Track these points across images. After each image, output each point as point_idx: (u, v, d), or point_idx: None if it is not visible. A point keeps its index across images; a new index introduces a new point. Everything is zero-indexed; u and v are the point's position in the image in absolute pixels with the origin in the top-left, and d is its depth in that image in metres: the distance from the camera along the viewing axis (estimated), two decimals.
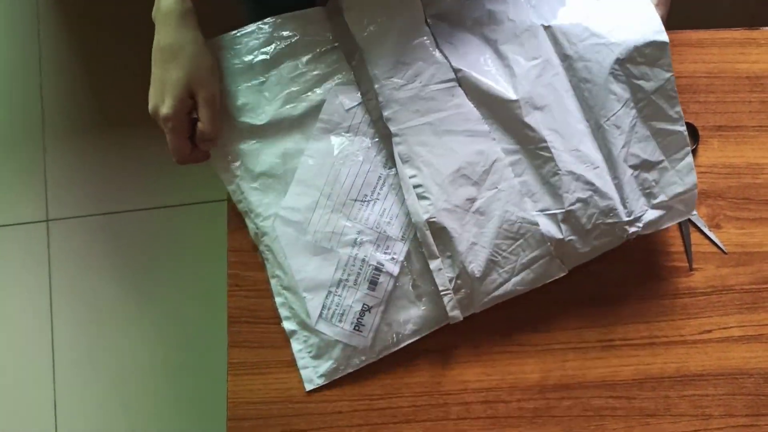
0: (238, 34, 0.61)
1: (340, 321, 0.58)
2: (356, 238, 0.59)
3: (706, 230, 0.63)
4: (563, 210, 0.57)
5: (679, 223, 0.63)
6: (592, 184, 0.57)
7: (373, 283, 0.58)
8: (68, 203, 1.25)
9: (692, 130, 0.64)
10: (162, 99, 0.55)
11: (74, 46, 1.28)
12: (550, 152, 0.57)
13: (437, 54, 0.59)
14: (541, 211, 0.58)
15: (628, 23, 0.58)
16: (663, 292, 0.62)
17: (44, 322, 1.22)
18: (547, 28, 0.59)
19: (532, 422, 0.60)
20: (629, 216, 0.58)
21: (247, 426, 0.60)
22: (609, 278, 0.62)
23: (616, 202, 0.57)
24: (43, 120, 1.28)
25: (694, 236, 0.63)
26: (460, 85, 0.59)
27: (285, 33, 0.61)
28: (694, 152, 0.64)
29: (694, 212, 0.63)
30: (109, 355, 1.21)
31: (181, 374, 1.20)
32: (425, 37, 0.59)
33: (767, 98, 0.66)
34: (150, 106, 0.56)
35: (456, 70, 0.59)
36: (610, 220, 0.57)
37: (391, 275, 0.59)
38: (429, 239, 0.58)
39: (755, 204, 0.64)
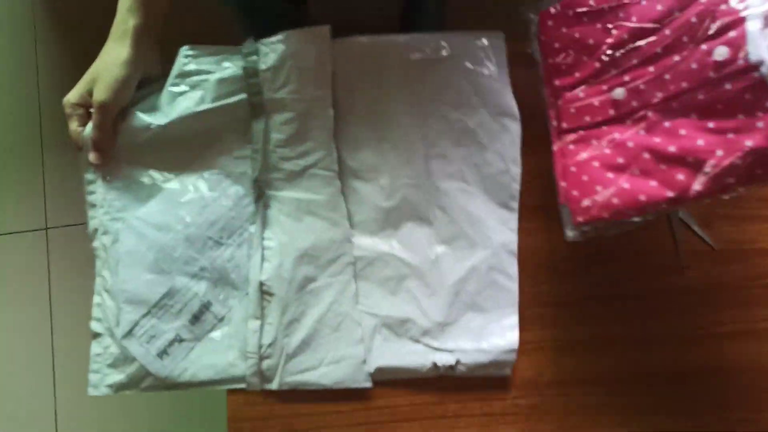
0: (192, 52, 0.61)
1: (147, 342, 0.59)
2: (197, 272, 0.60)
3: (696, 228, 0.64)
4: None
5: (669, 222, 0.64)
6: (423, 309, 0.60)
7: (196, 318, 0.60)
8: (67, 211, 1.26)
9: None
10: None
11: (71, 56, 1.30)
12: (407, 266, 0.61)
13: (332, 143, 0.61)
14: (367, 312, 0.61)
15: None
16: (655, 291, 0.63)
17: (44, 328, 1.22)
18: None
19: (528, 418, 0.60)
20: (443, 345, 0.60)
21: (248, 427, 0.60)
22: (601, 277, 0.63)
23: (435, 326, 0.60)
24: (41, 130, 1.29)
25: (685, 235, 0.64)
26: (339, 179, 0.61)
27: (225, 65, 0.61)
28: None
29: (681, 212, 0.64)
30: None
31: None
32: (327, 122, 0.61)
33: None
34: None
35: (342, 162, 0.61)
36: (424, 341, 0.60)
37: (215, 317, 0.60)
38: (257, 299, 0.60)
39: (746, 201, 0.65)
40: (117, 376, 0.59)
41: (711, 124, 0.45)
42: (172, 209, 0.60)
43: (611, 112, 0.51)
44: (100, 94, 0.56)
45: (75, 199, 1.24)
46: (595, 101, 0.52)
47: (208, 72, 0.60)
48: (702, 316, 0.63)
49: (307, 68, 0.59)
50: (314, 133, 0.61)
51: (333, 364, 0.59)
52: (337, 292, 0.60)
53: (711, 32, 0.45)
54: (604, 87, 0.51)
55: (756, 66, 0.42)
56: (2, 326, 1.23)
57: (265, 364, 0.59)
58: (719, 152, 0.44)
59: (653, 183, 0.47)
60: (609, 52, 0.51)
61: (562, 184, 0.53)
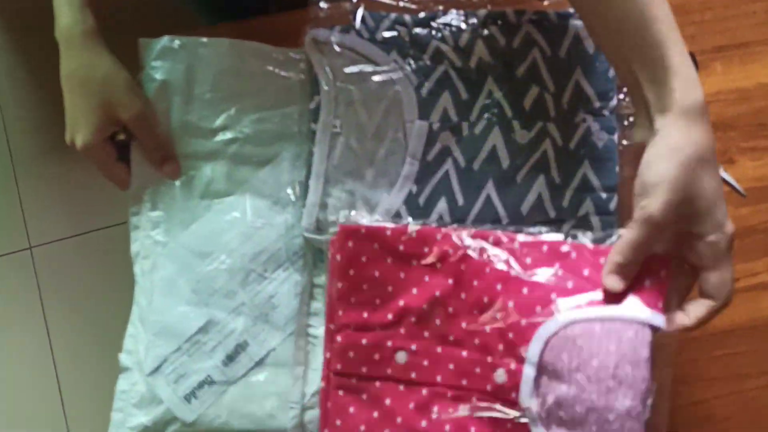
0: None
1: (175, 383, 0.52)
2: (237, 307, 0.53)
3: (720, 171, 0.56)
4: None
5: None
6: None
7: (230, 359, 0.53)
8: (48, 227, 1.22)
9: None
10: (77, 129, 0.50)
11: (30, 65, 1.25)
12: None
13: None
14: None
15: None
16: None
17: (43, 345, 1.20)
18: None
19: None
20: None
21: None
22: None
23: None
24: (9, 149, 1.24)
25: None
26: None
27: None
28: None
29: None
30: (114, 370, 1.18)
31: None
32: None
33: None
34: (66, 137, 0.51)
35: None
36: None
37: (251, 359, 0.53)
38: (301, 342, 0.53)
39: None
40: (141, 418, 0.53)
41: (473, 430, 0.48)
42: (215, 237, 0.54)
43: (389, 371, 0.50)
44: (129, 109, 0.50)
45: (55, 214, 1.22)
46: (377, 355, 0.50)
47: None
48: (734, 267, 0.54)
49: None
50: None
51: None
52: None
53: (500, 348, 0.47)
54: (389, 343, 0.50)
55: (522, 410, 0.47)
56: (1, 351, 1.21)
57: (308, 415, 0.52)
58: None
59: None
60: (402, 306, 0.50)
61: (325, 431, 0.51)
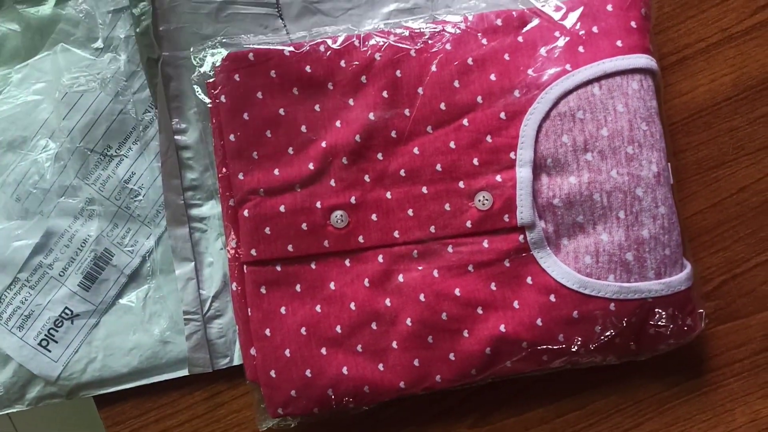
0: None
1: (21, 328, 0.38)
2: (83, 207, 0.39)
3: None
4: None
5: None
6: None
7: (91, 278, 0.39)
8: None
9: None
10: None
11: None
12: None
13: None
14: None
15: None
16: None
17: None
18: None
19: None
20: None
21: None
22: None
23: None
24: None
25: None
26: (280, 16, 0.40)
27: None
28: None
29: None
30: None
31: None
32: None
33: None
34: None
35: None
36: None
37: (120, 272, 0.38)
38: (182, 231, 0.38)
39: None
40: None
41: (457, 291, 0.36)
42: (25, 116, 0.39)
43: (326, 243, 0.36)
44: None
45: None
46: (305, 224, 0.35)
47: None
48: None
49: None
50: None
51: None
52: None
53: (475, 163, 0.36)
54: (319, 204, 0.36)
55: (522, 229, 0.35)
56: None
57: (215, 327, 0.39)
58: (465, 333, 0.36)
59: (381, 367, 0.36)
60: (325, 147, 0.36)
61: (252, 351, 0.36)
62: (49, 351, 0.38)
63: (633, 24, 0.35)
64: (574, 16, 0.35)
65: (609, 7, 0.35)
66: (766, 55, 0.39)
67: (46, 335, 0.38)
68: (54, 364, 0.38)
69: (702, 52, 0.39)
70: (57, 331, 0.38)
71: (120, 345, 0.38)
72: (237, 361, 0.38)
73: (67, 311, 0.38)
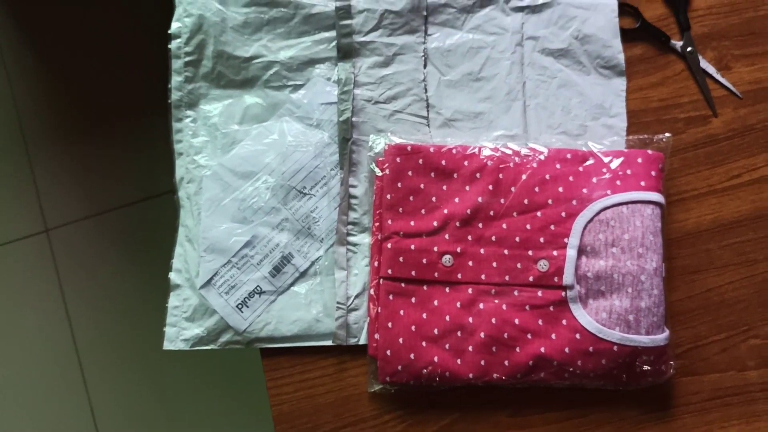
0: None
1: (227, 294, 0.56)
2: (280, 223, 0.57)
3: (716, 75, 0.60)
4: None
5: (692, 73, 0.60)
6: None
7: (277, 270, 0.56)
8: (64, 209, 1.22)
9: None
10: None
11: (36, 49, 1.24)
12: None
13: (421, 88, 0.58)
14: None
15: None
16: (683, 145, 0.59)
17: (64, 329, 1.21)
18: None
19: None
20: None
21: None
22: None
23: None
24: (22, 131, 1.24)
25: (707, 84, 0.60)
26: (428, 125, 0.59)
27: None
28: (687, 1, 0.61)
29: (701, 59, 0.60)
30: (137, 348, 1.20)
31: (214, 357, 1.18)
32: (418, 66, 0.59)
33: None
34: None
35: (432, 109, 0.59)
36: None
37: (296, 269, 0.56)
38: (342, 249, 0.56)
39: (761, 37, 0.61)
40: (195, 330, 0.56)
41: (517, 320, 0.52)
42: (254, 157, 0.57)
43: (436, 274, 0.53)
44: None
45: (70, 195, 1.22)
46: (425, 259, 0.53)
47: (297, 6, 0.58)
48: (736, 163, 0.59)
49: (400, 12, 0.58)
50: (404, 77, 0.58)
51: None
52: None
53: (541, 241, 0.53)
54: (436, 248, 0.54)
55: (564, 288, 0.52)
56: (22, 336, 1.21)
57: (352, 316, 0.56)
58: (517, 349, 0.52)
59: (459, 361, 0.52)
60: (446, 213, 0.54)
61: (376, 336, 0.53)
62: (242, 312, 0.56)
63: (653, 173, 0.54)
64: (616, 162, 0.55)
65: (639, 160, 0.55)
66: (736, 205, 0.59)
67: (242, 301, 0.56)
68: (243, 321, 0.55)
69: (694, 197, 0.59)
70: (249, 300, 0.56)
71: (287, 317, 0.55)
72: (363, 341, 0.55)
73: (258, 288, 0.56)
